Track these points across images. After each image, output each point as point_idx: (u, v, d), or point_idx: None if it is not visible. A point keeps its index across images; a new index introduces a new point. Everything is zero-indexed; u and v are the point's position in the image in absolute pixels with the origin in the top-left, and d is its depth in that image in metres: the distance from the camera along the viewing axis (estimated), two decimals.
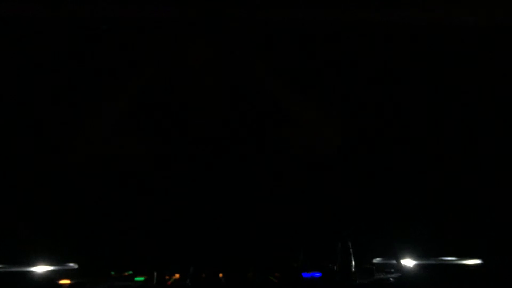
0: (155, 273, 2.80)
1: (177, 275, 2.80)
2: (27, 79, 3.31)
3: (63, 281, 2.90)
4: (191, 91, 3.21)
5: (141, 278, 2.82)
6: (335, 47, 3.30)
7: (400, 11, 3.39)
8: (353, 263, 2.87)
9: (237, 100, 3.22)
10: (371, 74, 3.34)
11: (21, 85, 3.31)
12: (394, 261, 3.01)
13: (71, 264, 2.92)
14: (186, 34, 3.22)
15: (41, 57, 3.32)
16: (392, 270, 2.98)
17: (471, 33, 3.37)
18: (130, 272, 2.78)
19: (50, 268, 2.94)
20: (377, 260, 2.99)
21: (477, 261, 3.08)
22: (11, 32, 3.31)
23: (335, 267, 2.90)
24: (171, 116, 3.22)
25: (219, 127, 3.21)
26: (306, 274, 2.89)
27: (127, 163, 3.19)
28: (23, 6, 3.35)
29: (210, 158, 3.18)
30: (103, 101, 3.25)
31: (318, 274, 2.87)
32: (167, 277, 2.82)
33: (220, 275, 2.81)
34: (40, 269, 2.95)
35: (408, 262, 3.01)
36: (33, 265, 2.96)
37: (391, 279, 2.91)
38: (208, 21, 3.19)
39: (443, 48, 3.35)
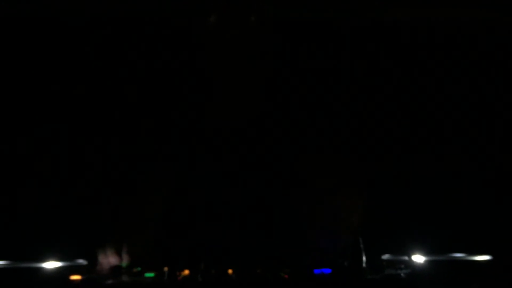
0: (165, 269, 2.80)
1: (186, 271, 2.80)
2: None
3: (74, 277, 2.91)
4: None
5: (151, 274, 2.82)
6: None
7: None
8: (364, 259, 2.86)
9: None
10: None
11: None
12: (405, 257, 3.01)
13: (81, 261, 2.93)
14: None
15: None
16: (402, 266, 2.97)
17: None
18: (139, 269, 2.79)
19: (60, 264, 2.95)
20: (386, 256, 2.98)
21: (486, 257, 3.07)
22: None
23: (345, 263, 2.89)
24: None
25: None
26: (316, 270, 2.88)
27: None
28: None
29: (222, 160, 3.19)
30: None
31: (328, 271, 2.86)
32: (177, 273, 2.82)
33: (230, 271, 2.80)
34: (51, 265, 2.96)
35: (418, 258, 3.01)
36: (44, 261, 2.97)
37: (401, 274, 2.90)
38: None
39: None
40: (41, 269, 2.96)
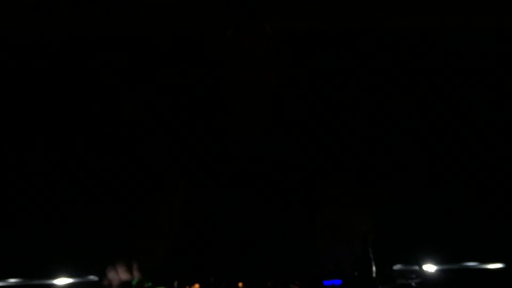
0: (175, 283, 2.80)
1: (197, 285, 2.80)
2: None
3: None
4: None
5: None
6: None
7: None
8: (374, 269, 2.85)
9: None
10: None
11: None
12: (416, 267, 2.99)
13: (92, 277, 2.95)
14: None
15: None
16: (414, 276, 2.95)
17: None
18: (150, 284, 2.79)
19: (71, 280, 2.97)
20: (397, 266, 2.97)
21: (499, 265, 3.05)
22: None
23: (356, 274, 2.88)
24: None
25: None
26: (326, 282, 2.87)
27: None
28: None
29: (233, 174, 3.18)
30: None
31: (338, 282, 2.85)
32: (187, 287, 2.82)
33: (240, 284, 2.80)
34: (63, 281, 2.98)
35: (430, 268, 2.99)
36: (56, 278, 2.99)
37: (413, 284, 2.88)
38: None
39: None
40: (53, 286, 2.97)
